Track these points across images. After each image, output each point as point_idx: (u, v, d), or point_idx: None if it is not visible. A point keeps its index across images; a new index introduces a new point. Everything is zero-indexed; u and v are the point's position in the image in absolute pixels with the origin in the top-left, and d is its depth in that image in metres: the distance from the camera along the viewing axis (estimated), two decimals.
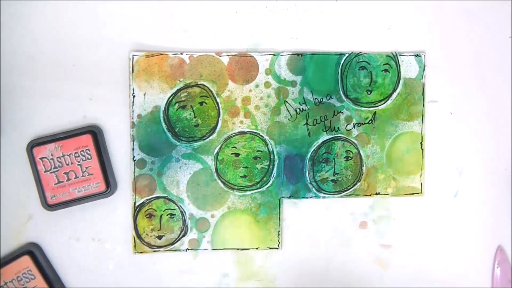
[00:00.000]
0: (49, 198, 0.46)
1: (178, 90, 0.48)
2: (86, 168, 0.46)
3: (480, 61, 0.51)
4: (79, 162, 0.46)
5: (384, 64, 0.50)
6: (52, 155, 0.46)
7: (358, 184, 0.50)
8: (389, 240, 0.51)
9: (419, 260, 0.51)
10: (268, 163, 0.49)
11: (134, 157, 0.48)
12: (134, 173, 0.48)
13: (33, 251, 0.46)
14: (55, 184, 0.46)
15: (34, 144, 0.46)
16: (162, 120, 0.48)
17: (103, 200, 0.47)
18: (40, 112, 0.47)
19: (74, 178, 0.46)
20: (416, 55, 0.50)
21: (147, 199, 0.48)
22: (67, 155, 0.46)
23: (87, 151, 0.46)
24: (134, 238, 0.48)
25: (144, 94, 0.48)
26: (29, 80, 0.47)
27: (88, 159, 0.46)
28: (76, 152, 0.46)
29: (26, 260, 0.46)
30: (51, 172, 0.46)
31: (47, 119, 0.47)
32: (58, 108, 0.47)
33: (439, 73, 0.51)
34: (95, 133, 0.47)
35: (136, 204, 0.48)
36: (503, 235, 0.52)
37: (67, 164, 0.46)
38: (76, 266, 0.48)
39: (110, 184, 0.47)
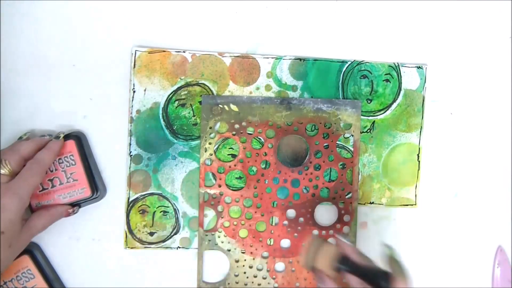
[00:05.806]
0: (34, 205, 0.45)
1: (179, 88, 0.48)
2: (71, 174, 0.46)
3: (480, 61, 0.51)
4: (63, 168, 0.45)
5: (385, 74, 0.50)
6: None
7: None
8: (389, 240, 0.51)
9: (419, 260, 0.51)
10: (264, 166, 0.49)
11: (130, 152, 0.48)
12: (129, 168, 0.48)
13: (32, 251, 0.46)
14: (39, 191, 0.45)
15: None
16: (161, 117, 0.48)
17: (103, 200, 0.47)
18: (40, 112, 0.47)
19: (59, 185, 0.45)
20: (418, 67, 0.50)
21: (141, 195, 0.48)
22: None
23: (71, 157, 0.45)
24: (126, 233, 0.48)
25: (145, 90, 0.48)
26: (29, 80, 0.47)
27: (72, 165, 0.46)
28: (60, 159, 0.45)
29: (25, 260, 0.46)
30: None
31: (47, 119, 0.47)
32: (58, 108, 0.47)
33: (440, 76, 0.51)
34: (79, 138, 0.46)
35: (130, 199, 0.48)
36: (503, 235, 0.52)
37: (51, 171, 0.45)
38: (75, 266, 0.48)
39: (97, 189, 0.46)
